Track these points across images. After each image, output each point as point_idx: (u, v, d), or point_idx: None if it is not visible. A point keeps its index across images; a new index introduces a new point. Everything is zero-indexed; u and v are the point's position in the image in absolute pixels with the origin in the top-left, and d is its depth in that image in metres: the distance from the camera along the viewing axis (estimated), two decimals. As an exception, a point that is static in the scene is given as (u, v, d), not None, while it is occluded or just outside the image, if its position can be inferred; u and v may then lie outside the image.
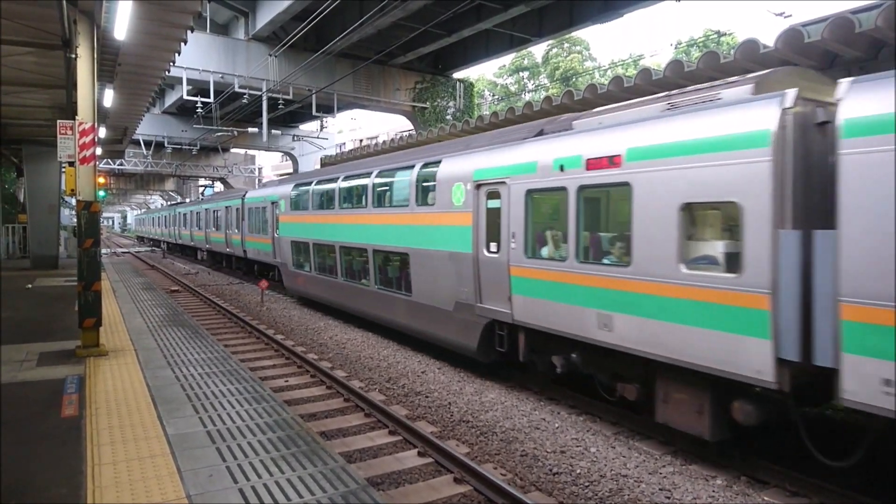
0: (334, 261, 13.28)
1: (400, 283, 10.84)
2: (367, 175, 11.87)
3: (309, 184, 14.99)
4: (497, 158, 8.18)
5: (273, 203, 17.95)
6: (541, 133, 7.80)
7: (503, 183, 7.93)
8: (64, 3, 6.97)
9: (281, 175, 51.63)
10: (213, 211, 27.17)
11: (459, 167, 8.89)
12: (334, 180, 13.46)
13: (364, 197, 11.90)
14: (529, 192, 7.57)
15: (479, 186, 8.41)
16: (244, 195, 22.30)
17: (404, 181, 10.65)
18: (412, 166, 10.29)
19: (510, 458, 6.19)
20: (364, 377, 9.23)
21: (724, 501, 5.22)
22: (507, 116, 11.71)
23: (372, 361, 10.13)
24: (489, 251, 8.22)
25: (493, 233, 8.16)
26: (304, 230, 15.02)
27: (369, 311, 12.05)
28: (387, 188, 11.42)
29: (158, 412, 5.53)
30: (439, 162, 9.46)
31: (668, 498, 5.30)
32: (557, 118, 8.27)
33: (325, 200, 14.00)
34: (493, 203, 8.21)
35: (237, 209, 22.75)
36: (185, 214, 34.72)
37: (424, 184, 9.96)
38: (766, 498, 5.31)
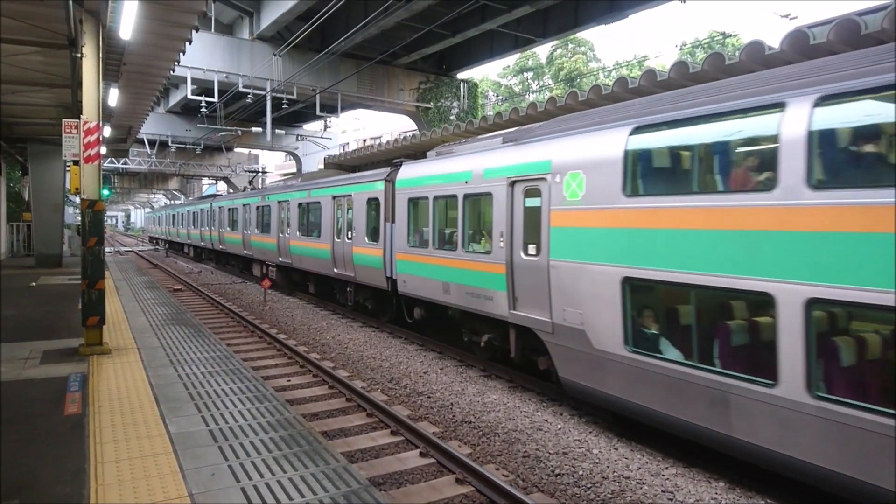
0: None
1: None
2: None
3: (763, 109, 5.01)
4: None
5: (514, 183, 8.06)
6: None
7: None
8: (70, 2, 6.99)
9: (285, 174, 51.30)
10: (301, 204, 16.87)
11: None
12: None
13: None
14: None
15: None
16: (389, 174, 12.20)
17: None
18: None
19: (512, 459, 6.19)
20: (366, 377, 9.24)
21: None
22: (510, 117, 11.70)
23: (374, 361, 10.14)
24: None
25: None
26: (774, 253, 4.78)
27: None
28: None
29: (161, 410, 5.55)
30: None
31: (671, 500, 5.29)
32: None
33: None
34: None
35: (368, 201, 12.90)
36: (233, 210, 23.98)
37: None
38: (768, 500, 5.30)
